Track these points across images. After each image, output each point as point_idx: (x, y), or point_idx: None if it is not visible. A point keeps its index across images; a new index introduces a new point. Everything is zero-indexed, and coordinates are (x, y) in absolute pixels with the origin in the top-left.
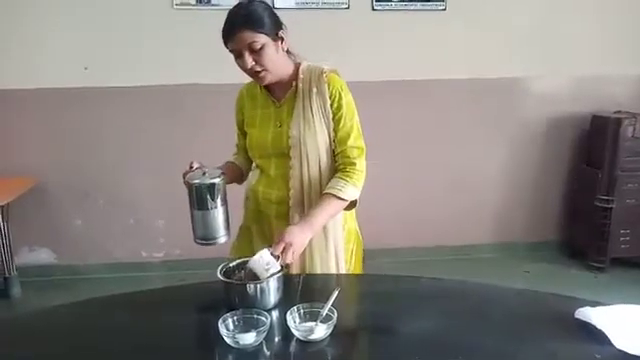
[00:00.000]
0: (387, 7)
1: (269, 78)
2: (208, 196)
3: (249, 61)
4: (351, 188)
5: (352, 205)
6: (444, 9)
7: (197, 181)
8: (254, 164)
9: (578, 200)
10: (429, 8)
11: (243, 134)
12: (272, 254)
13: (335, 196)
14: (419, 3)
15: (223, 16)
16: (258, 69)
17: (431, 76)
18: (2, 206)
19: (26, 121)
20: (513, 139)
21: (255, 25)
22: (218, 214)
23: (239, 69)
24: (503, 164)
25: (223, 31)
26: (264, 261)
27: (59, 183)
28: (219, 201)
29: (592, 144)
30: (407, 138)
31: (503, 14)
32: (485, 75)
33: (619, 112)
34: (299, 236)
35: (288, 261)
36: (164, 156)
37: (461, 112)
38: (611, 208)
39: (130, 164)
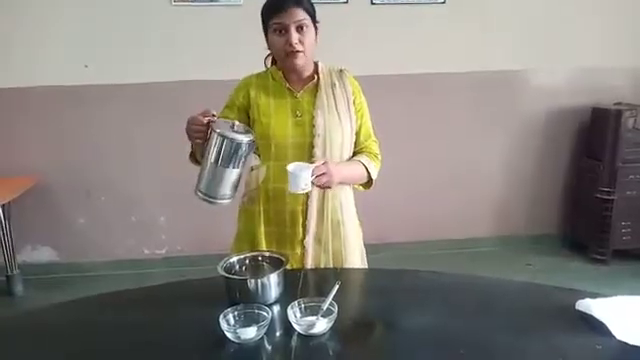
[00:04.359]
0: (386, 1)
1: (304, 61)
2: (237, 154)
3: (295, 36)
4: (374, 167)
5: (368, 184)
6: (443, 2)
7: (235, 135)
8: (257, 160)
9: (579, 192)
10: (428, 1)
11: (234, 113)
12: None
13: (363, 165)
14: None
15: (221, 12)
16: (300, 48)
17: (430, 70)
18: (4, 205)
19: (27, 120)
20: (514, 132)
21: (308, 6)
22: (234, 174)
23: (240, 64)
24: (504, 157)
25: (272, 3)
26: (306, 169)
27: (60, 181)
28: (244, 161)
29: (593, 136)
30: (407, 132)
31: (502, 7)
32: (484, 68)
33: (619, 104)
34: (335, 174)
35: (319, 183)
36: (164, 153)
37: (461, 106)
38: (612, 200)
39: (131, 161)
